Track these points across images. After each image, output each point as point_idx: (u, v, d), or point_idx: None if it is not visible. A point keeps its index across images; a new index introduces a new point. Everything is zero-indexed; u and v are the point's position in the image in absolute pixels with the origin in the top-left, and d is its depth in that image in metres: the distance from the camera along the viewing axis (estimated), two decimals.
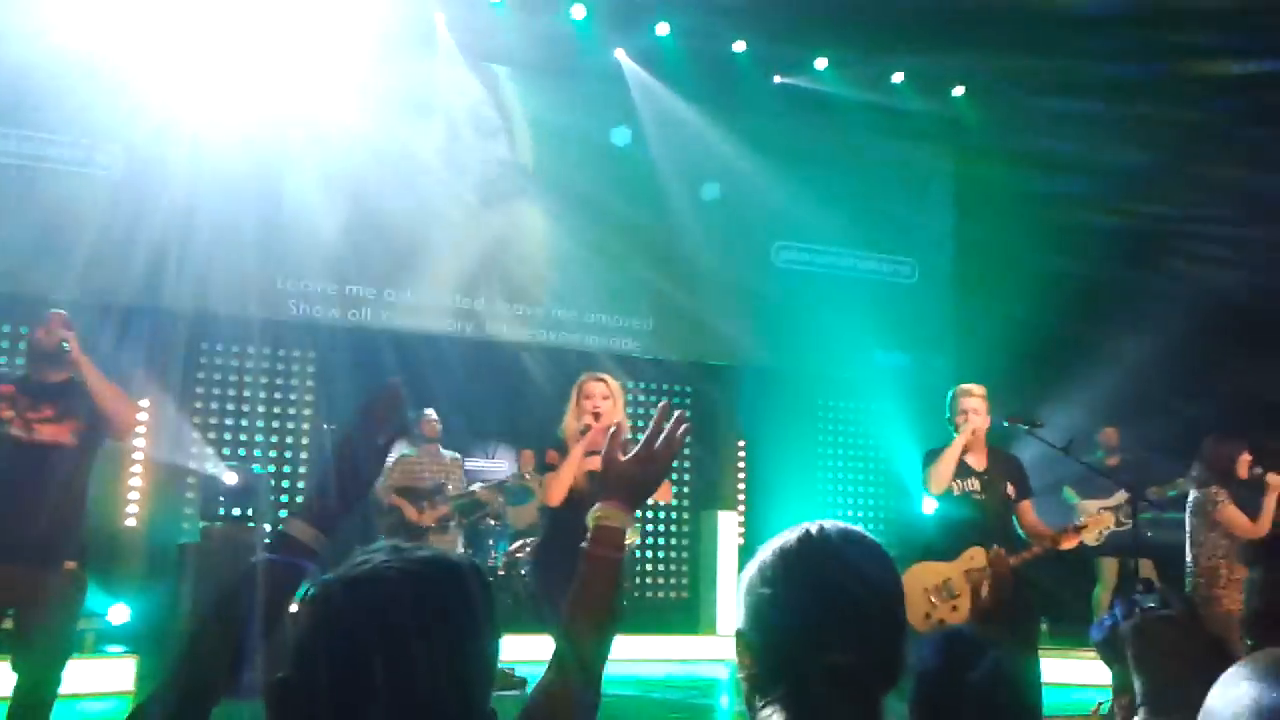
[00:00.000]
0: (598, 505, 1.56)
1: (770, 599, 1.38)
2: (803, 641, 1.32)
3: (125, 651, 6.28)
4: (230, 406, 9.21)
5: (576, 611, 1.48)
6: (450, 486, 7.77)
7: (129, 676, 6.07)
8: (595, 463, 4.31)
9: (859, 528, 1.44)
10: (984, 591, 4.84)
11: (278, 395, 9.34)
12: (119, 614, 6.35)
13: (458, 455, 8.14)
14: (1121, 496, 7.77)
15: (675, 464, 9.21)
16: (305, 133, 8.98)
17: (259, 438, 9.23)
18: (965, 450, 5.11)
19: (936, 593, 4.99)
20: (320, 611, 1.17)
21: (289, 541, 1.45)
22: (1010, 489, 5.09)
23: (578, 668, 1.43)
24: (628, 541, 1.57)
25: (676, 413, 1.65)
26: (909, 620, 1.46)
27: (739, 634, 1.40)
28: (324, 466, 1.54)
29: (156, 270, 8.32)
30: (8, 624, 3.92)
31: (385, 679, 1.12)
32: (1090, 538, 4.99)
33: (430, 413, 7.94)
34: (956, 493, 5.06)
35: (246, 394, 9.23)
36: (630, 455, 1.60)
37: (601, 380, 4.56)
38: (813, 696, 1.29)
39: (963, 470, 5.10)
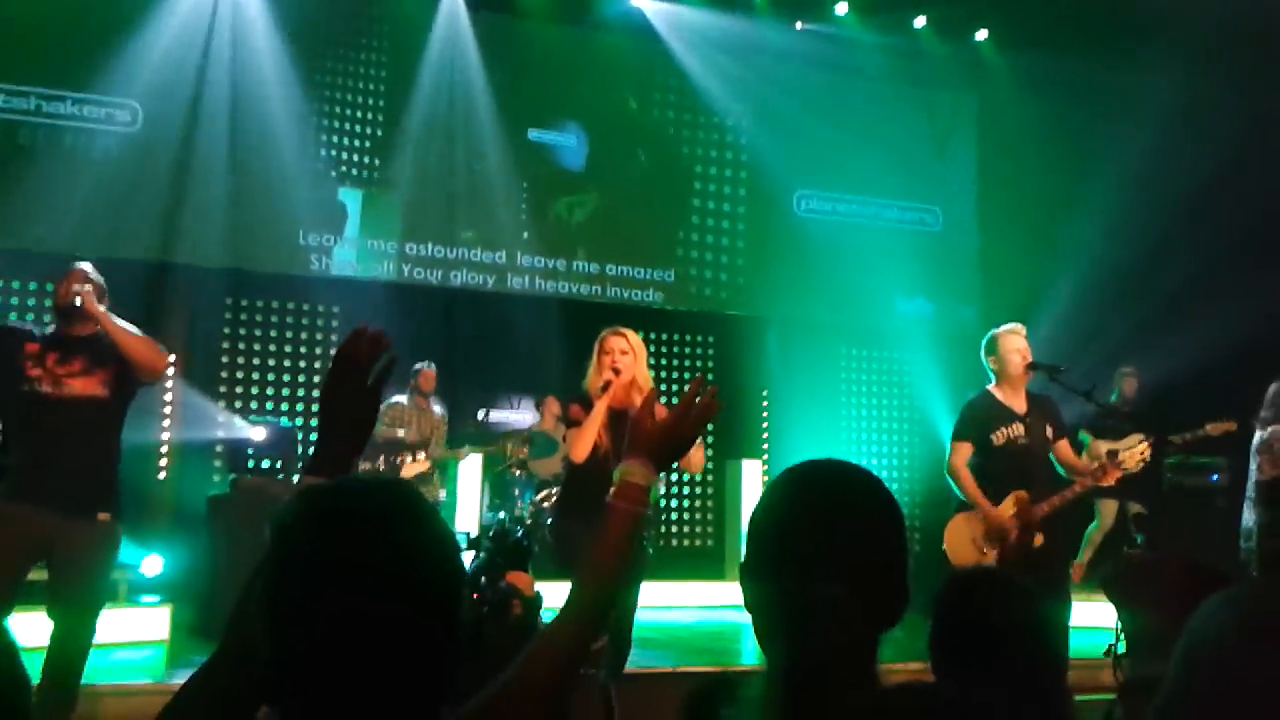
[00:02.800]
0: (624, 461, 1.59)
1: (766, 528, 1.41)
2: (797, 572, 1.33)
3: (159, 601, 6.40)
4: (257, 361, 9.29)
5: (594, 558, 1.51)
6: (431, 445, 7.78)
7: (163, 625, 6.19)
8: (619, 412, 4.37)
9: (859, 464, 1.47)
10: (1012, 537, 4.87)
11: (304, 349, 9.40)
12: (152, 565, 6.46)
13: (445, 413, 8.17)
14: (1135, 439, 7.71)
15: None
16: (328, 84, 9.01)
17: (285, 392, 9.31)
18: (1005, 394, 5.09)
19: (985, 540, 4.98)
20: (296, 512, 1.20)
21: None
22: (1049, 430, 5.08)
23: (588, 611, 1.46)
24: (650, 500, 1.59)
25: (711, 387, 1.68)
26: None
27: (741, 566, 1.43)
28: (322, 417, 1.56)
29: (182, 226, 8.39)
30: (42, 574, 3.99)
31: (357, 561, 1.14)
32: (1132, 465, 4.98)
33: (428, 366, 7.98)
34: (1000, 442, 5.01)
35: (273, 349, 9.30)
36: (661, 420, 1.63)
37: (621, 335, 4.58)
38: (808, 629, 1.29)
39: (1005, 416, 5.06)
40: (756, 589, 1.39)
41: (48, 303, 7.43)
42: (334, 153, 9.16)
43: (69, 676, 3.79)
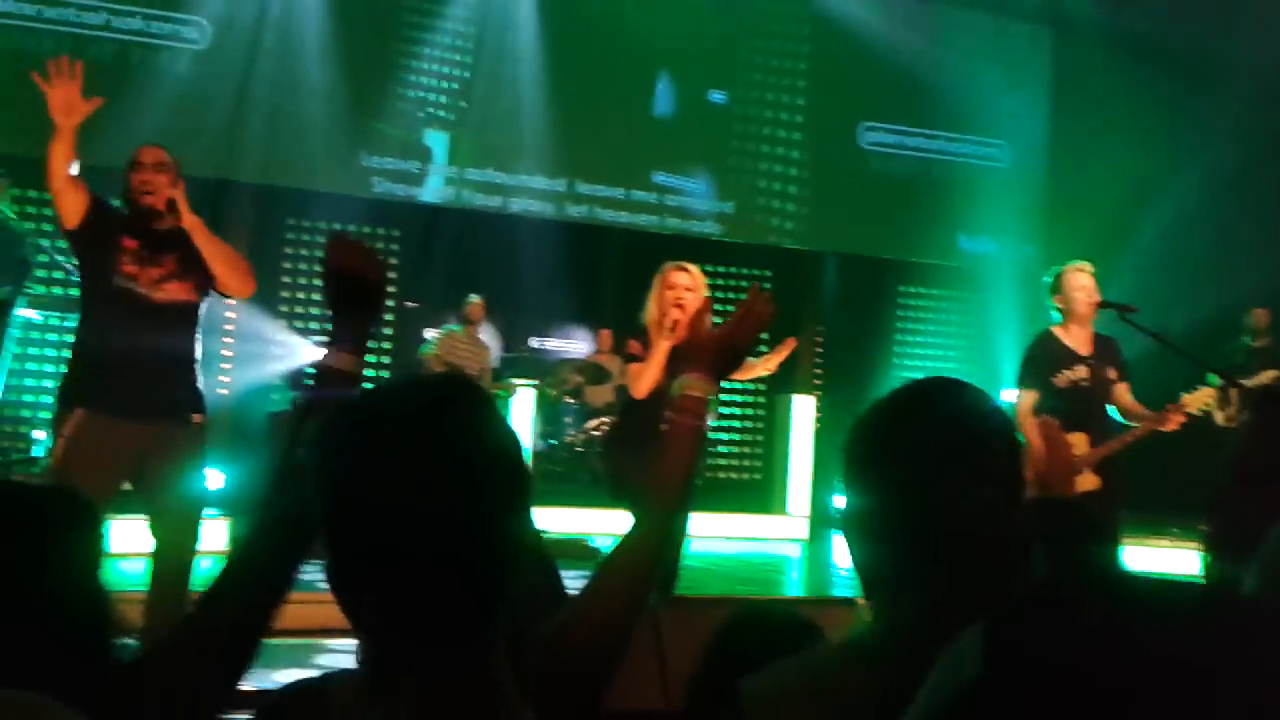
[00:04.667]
0: (681, 376, 1.56)
1: (896, 450, 1.32)
2: (946, 485, 1.26)
3: (219, 515, 6.56)
4: (317, 282, 9.39)
5: (659, 477, 1.50)
6: (479, 372, 7.89)
7: (223, 538, 6.35)
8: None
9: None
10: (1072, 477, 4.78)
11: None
12: (214, 479, 6.61)
13: (497, 344, 8.25)
14: (1269, 375, 7.09)
15: (755, 349, 9.23)
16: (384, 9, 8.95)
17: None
18: (1069, 334, 4.98)
19: (1040, 482, 4.92)
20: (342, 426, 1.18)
21: (328, 373, 1.47)
22: (1112, 372, 4.98)
23: (657, 531, 1.45)
24: (710, 410, 1.58)
25: (765, 293, 1.66)
26: None
27: (846, 516, 1.33)
28: (329, 298, 1.53)
29: (244, 146, 8.44)
30: (129, 485, 3.85)
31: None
32: (1194, 408, 4.87)
33: (476, 297, 8.04)
34: (1062, 385, 4.91)
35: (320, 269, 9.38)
36: (716, 331, 1.61)
37: (685, 270, 4.46)
38: (971, 545, 1.24)
39: (1068, 358, 4.94)
40: (890, 516, 1.30)
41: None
42: (413, 92, 9.09)
43: (179, 585, 3.65)
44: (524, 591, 1.26)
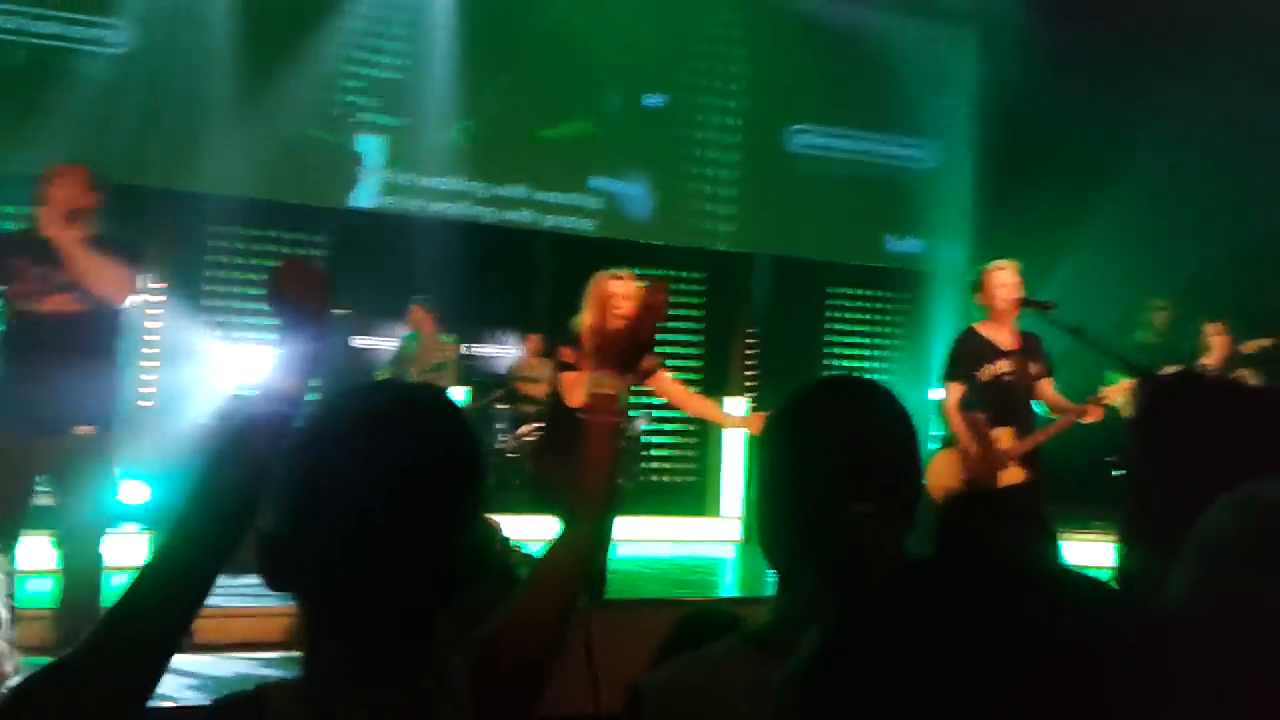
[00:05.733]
0: (590, 375, 1.58)
1: (787, 450, 1.39)
2: (826, 492, 1.32)
3: (142, 529, 6.40)
4: (237, 290, 9.22)
5: (582, 477, 1.50)
6: (446, 370, 7.86)
7: (145, 552, 6.20)
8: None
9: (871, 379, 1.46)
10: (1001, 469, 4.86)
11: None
12: (136, 491, 6.45)
13: (454, 339, 8.22)
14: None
15: (688, 350, 9.16)
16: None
17: (269, 320, 9.25)
18: (991, 331, 5.08)
19: (969, 476, 5.00)
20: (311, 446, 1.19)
21: (271, 393, 1.44)
22: (1035, 367, 5.08)
23: (583, 531, 1.46)
24: (626, 415, 1.59)
25: (658, 283, 1.69)
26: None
27: (754, 503, 1.41)
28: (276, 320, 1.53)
29: (166, 151, 8.25)
30: (45, 500, 3.87)
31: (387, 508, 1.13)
32: (1114, 400, 4.98)
33: (418, 301, 8.01)
34: (985, 378, 5.01)
35: (254, 277, 9.22)
36: (617, 327, 1.64)
37: (619, 278, 4.48)
38: (846, 547, 1.29)
39: (992, 352, 5.04)
40: (778, 512, 1.39)
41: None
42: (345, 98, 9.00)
43: (88, 600, 3.67)
44: (479, 604, 1.26)
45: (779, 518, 1.38)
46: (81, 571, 3.69)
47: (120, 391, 3.95)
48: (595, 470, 1.50)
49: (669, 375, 4.93)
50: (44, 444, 3.71)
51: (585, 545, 1.45)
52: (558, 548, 1.44)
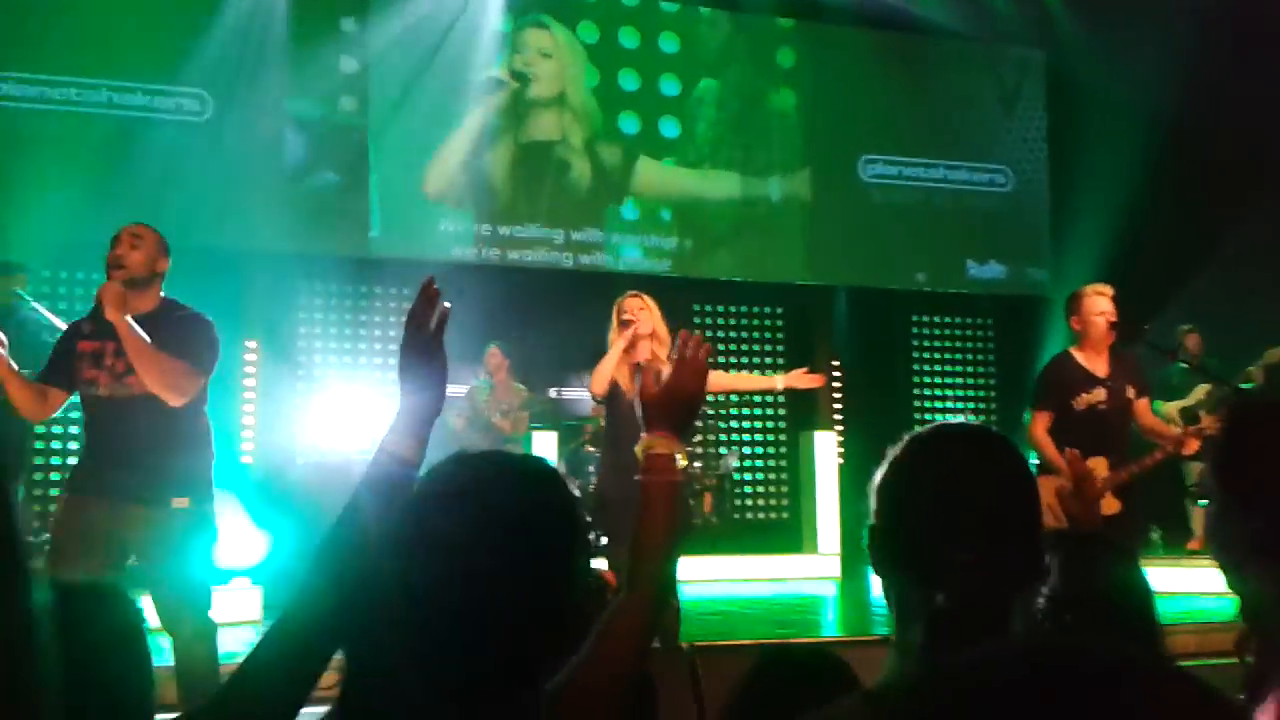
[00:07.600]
0: (642, 436, 1.59)
1: (897, 492, 1.37)
2: (929, 537, 1.31)
3: (252, 583, 6.56)
4: (333, 344, 9.46)
5: (640, 539, 1.52)
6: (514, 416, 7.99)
7: (256, 606, 6.35)
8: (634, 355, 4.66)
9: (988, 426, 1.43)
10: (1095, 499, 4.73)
11: (378, 332, 9.55)
12: (241, 551, 6.62)
13: (523, 387, 8.33)
14: (1201, 391, 7.76)
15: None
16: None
17: (362, 370, 9.47)
18: (1086, 356, 4.95)
19: (1061, 506, 4.87)
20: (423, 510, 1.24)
21: (387, 458, 1.50)
22: (1131, 390, 4.92)
23: (646, 591, 1.47)
24: (680, 465, 1.57)
25: (694, 335, 1.70)
26: None
27: (869, 529, 1.40)
28: (400, 381, 1.58)
29: (248, 214, 8.53)
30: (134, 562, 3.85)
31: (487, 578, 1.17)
32: (1212, 429, 4.83)
33: (492, 346, 8.13)
34: (1081, 408, 4.86)
35: (347, 331, 9.46)
36: (663, 385, 1.64)
37: (636, 295, 4.83)
38: (941, 596, 1.27)
39: (1086, 380, 4.88)
40: (887, 556, 1.37)
41: None
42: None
43: (205, 660, 3.65)
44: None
45: (885, 566, 1.37)
46: (186, 637, 3.70)
47: (210, 459, 3.94)
48: (653, 531, 1.52)
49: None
50: (126, 512, 3.69)
51: (649, 605, 1.46)
52: (622, 609, 1.45)
